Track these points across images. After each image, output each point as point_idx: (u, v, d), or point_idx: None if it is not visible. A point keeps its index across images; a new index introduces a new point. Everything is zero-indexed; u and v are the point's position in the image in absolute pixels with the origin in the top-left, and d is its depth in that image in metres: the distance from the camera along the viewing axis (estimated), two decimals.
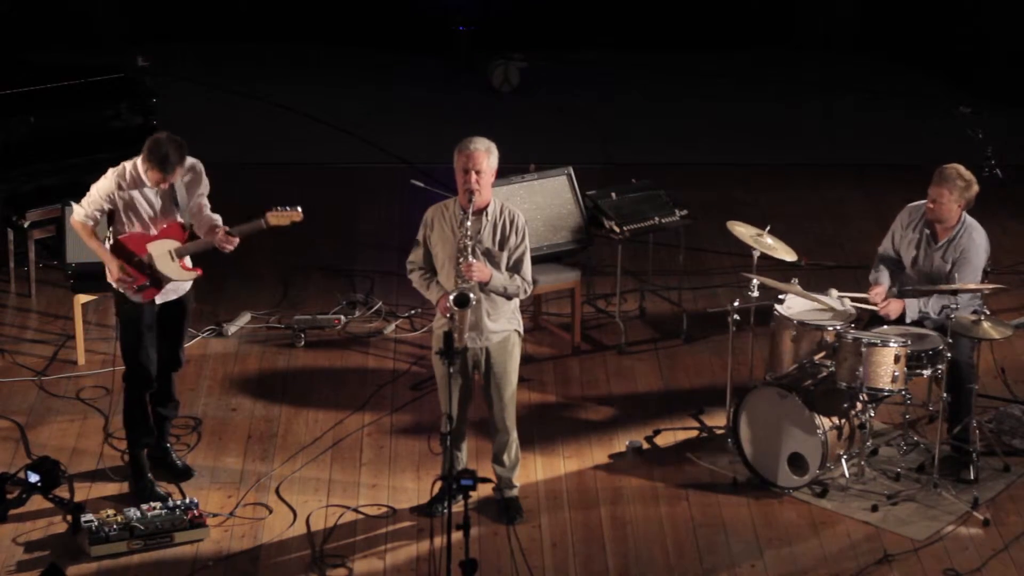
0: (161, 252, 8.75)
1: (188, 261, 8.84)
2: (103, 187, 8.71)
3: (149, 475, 9.01)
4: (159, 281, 8.77)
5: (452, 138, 8.59)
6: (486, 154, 8.45)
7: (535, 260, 9.59)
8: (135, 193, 8.67)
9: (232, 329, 10.87)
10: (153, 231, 8.74)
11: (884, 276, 9.50)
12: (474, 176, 8.40)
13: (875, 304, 9.38)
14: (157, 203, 8.71)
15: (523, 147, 12.05)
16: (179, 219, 8.77)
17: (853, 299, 9.48)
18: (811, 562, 8.58)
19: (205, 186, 8.86)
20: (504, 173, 9.80)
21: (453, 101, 15.22)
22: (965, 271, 9.27)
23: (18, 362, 10.42)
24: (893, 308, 9.31)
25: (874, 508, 8.95)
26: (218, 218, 8.83)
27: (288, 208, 8.81)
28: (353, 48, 16.53)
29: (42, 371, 10.32)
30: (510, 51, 15.66)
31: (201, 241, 8.77)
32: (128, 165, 8.68)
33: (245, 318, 11.01)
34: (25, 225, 11.06)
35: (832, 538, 8.76)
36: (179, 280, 8.81)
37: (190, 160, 8.76)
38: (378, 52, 16.42)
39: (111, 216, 8.77)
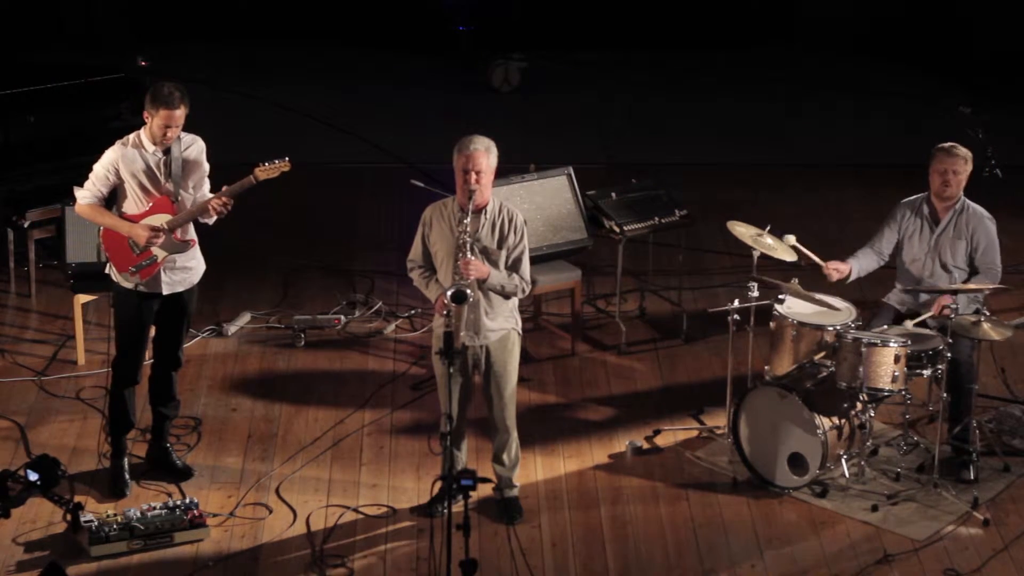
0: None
1: (181, 233, 8.80)
2: (106, 159, 8.69)
3: (125, 459, 9.07)
4: (155, 258, 8.76)
5: (452, 138, 8.58)
6: (486, 154, 8.44)
7: (535, 260, 9.60)
8: (136, 155, 8.64)
9: (232, 329, 10.86)
10: (146, 206, 8.72)
11: (854, 259, 9.62)
12: (474, 176, 8.40)
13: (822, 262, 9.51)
14: (158, 169, 8.66)
15: (523, 147, 12.05)
16: (169, 191, 8.72)
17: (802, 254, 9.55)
18: (811, 562, 8.58)
19: (206, 167, 8.84)
20: (504, 173, 9.80)
21: (453, 101, 15.21)
22: (991, 250, 9.41)
23: (18, 362, 10.42)
24: (838, 267, 9.49)
25: (874, 508, 8.95)
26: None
27: (276, 161, 8.76)
28: (353, 48, 16.53)
29: (42, 371, 10.32)
30: (510, 51, 15.66)
31: (191, 209, 8.71)
32: (131, 135, 8.72)
33: (245, 318, 11.01)
34: (25, 225, 11.05)
35: (832, 538, 8.76)
36: (174, 253, 8.76)
37: (192, 135, 8.78)
38: (378, 52, 16.42)
39: (112, 199, 8.76)
